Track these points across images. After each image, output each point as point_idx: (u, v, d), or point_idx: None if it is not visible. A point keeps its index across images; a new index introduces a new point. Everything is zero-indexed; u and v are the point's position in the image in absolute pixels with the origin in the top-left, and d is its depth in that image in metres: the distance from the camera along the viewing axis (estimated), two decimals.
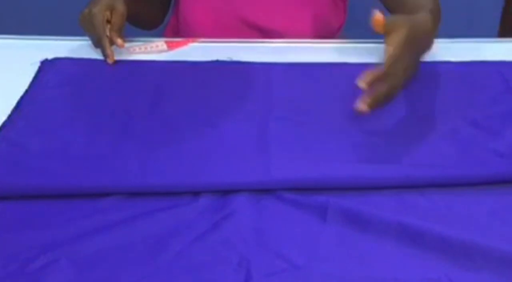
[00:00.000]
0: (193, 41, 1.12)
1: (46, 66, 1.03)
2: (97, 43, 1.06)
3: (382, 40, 0.97)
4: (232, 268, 0.66)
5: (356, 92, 0.98)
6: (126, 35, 1.07)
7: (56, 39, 1.11)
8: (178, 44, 1.11)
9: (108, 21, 1.05)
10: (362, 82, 0.83)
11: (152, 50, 1.09)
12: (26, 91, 0.96)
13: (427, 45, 0.95)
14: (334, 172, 0.79)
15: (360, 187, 0.77)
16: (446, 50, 1.08)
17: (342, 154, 0.83)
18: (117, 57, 1.05)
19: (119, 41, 1.04)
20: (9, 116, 0.90)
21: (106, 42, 1.03)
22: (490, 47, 1.11)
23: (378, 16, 0.88)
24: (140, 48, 1.09)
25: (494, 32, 1.82)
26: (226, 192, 0.76)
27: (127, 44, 1.06)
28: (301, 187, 0.77)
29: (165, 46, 1.09)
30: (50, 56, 1.05)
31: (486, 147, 0.84)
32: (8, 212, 0.74)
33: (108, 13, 1.05)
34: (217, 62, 1.05)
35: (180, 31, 1.24)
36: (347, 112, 0.91)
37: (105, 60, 1.04)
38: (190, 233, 0.70)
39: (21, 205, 0.75)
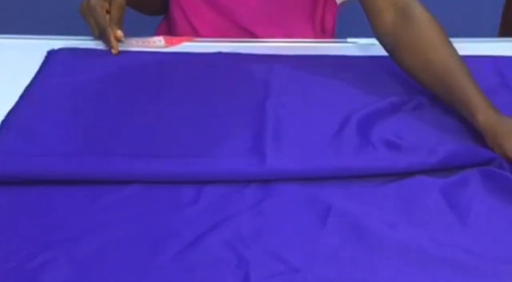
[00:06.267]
0: (188, 40, 1.13)
1: (53, 56, 1.05)
2: (101, 35, 1.07)
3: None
4: (231, 270, 0.66)
5: (355, 82, 0.99)
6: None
7: (57, 39, 1.11)
8: (175, 41, 1.12)
9: (107, 12, 1.05)
10: None
11: (149, 45, 1.09)
12: (33, 79, 0.98)
13: None
14: (329, 161, 0.79)
15: (356, 175, 0.78)
16: None
17: (337, 144, 0.84)
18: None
19: (118, 33, 1.05)
20: (17, 103, 0.92)
21: (111, 34, 1.05)
22: (490, 47, 1.11)
23: None
24: (137, 42, 1.09)
25: (495, 32, 1.82)
26: (225, 193, 0.76)
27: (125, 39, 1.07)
28: (297, 178, 0.78)
29: (163, 42, 1.10)
30: None
31: (474, 136, 0.86)
32: (7, 210, 0.74)
33: (106, 4, 1.05)
34: (218, 54, 1.06)
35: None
36: (345, 102, 0.93)
37: (109, 51, 1.06)
38: (189, 234, 0.70)
39: (20, 204, 0.75)
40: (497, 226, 0.73)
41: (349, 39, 1.13)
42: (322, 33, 1.21)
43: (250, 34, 1.17)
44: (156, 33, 1.26)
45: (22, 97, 0.94)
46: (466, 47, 1.09)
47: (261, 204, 0.75)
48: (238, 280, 0.65)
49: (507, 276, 0.67)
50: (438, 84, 0.92)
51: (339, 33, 1.25)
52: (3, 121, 0.88)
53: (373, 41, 1.05)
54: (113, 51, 1.05)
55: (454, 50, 0.94)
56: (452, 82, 0.90)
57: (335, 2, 1.18)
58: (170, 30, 1.25)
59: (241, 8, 1.16)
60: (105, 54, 1.06)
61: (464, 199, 0.76)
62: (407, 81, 0.99)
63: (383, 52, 1.02)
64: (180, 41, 1.12)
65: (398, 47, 0.98)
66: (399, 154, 0.82)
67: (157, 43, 1.10)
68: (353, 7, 1.15)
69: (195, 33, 1.18)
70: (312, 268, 0.66)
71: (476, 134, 0.86)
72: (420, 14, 0.96)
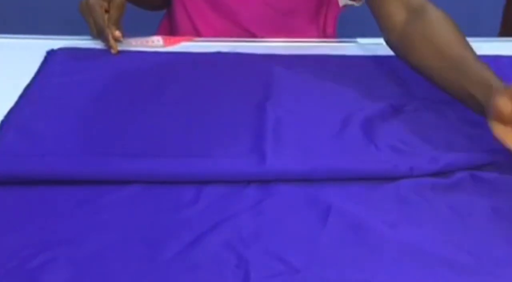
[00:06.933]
0: (186, 40, 1.13)
1: (52, 56, 1.05)
2: (99, 35, 1.07)
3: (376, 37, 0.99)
4: (231, 269, 0.66)
5: (356, 83, 0.99)
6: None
7: (57, 39, 1.11)
8: (173, 41, 1.12)
9: (106, 11, 1.06)
10: None
11: (148, 44, 1.10)
12: (33, 79, 0.98)
13: None
14: (330, 162, 0.79)
15: (356, 177, 0.78)
16: None
17: (337, 145, 0.84)
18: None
19: (116, 33, 1.05)
20: (17, 103, 0.92)
21: (109, 34, 1.05)
22: (490, 47, 1.10)
23: None
24: (136, 42, 1.10)
25: (495, 32, 1.82)
26: (225, 193, 0.76)
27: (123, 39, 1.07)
28: (297, 178, 0.78)
29: (161, 42, 1.10)
30: None
31: (471, 135, 0.86)
32: (7, 210, 0.74)
33: (106, 3, 1.05)
34: (218, 54, 1.06)
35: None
36: (345, 103, 0.93)
37: (109, 51, 1.06)
38: (189, 234, 0.70)
39: (20, 204, 0.75)
40: (497, 227, 0.73)
41: (356, 39, 1.13)
42: (323, 36, 1.22)
43: (252, 36, 1.17)
44: (158, 32, 1.26)
45: (22, 97, 0.94)
46: None
47: (261, 204, 0.75)
48: (238, 280, 0.65)
49: (507, 276, 0.67)
50: (452, 68, 0.89)
51: (339, 34, 1.25)
52: (3, 121, 0.88)
53: (373, 41, 1.06)
54: (112, 51, 1.05)
55: (469, 46, 0.91)
56: (468, 67, 0.86)
57: (338, 5, 1.18)
58: (171, 30, 1.25)
59: (244, 10, 1.16)
60: (104, 54, 1.06)
61: (464, 199, 0.76)
62: (408, 81, 0.99)
63: (384, 52, 1.02)
64: (178, 41, 1.12)
65: (410, 41, 0.95)
66: (399, 156, 0.82)
67: (155, 43, 1.10)
68: (353, 8, 1.16)
69: (197, 34, 1.19)
70: (312, 268, 0.66)
71: (476, 136, 0.86)
72: (434, 13, 0.95)
